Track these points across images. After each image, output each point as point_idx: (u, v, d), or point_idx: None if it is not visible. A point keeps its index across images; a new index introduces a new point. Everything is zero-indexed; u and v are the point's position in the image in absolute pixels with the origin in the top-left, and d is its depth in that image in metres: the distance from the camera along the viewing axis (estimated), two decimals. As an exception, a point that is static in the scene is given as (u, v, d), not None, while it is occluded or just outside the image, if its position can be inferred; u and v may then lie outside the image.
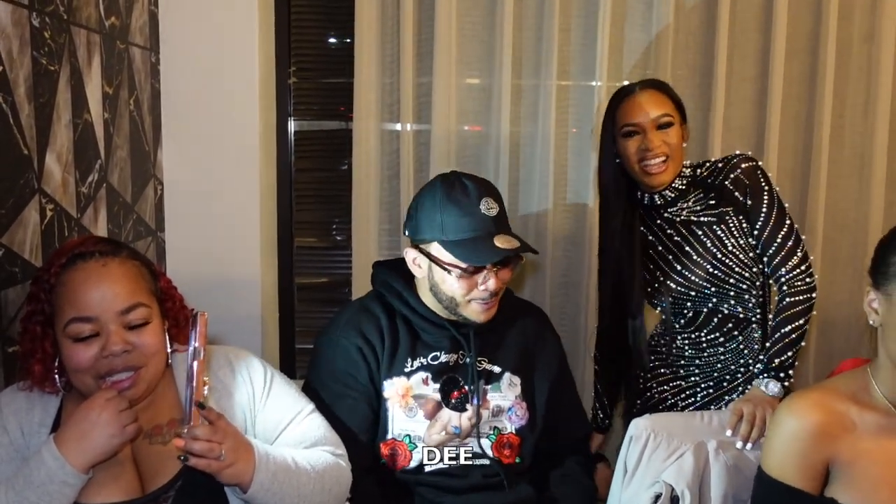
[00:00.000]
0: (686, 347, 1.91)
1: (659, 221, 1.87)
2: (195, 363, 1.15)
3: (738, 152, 1.86)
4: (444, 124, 2.40)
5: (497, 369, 1.70)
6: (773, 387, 1.68)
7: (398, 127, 2.43)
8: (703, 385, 1.89)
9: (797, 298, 1.74)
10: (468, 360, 1.66)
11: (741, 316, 1.85)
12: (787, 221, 1.78)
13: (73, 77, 1.67)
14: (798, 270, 1.75)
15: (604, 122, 1.88)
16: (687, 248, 1.83)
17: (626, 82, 2.45)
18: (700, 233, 1.82)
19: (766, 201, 1.78)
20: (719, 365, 1.88)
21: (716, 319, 1.87)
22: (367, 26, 2.36)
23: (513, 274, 1.64)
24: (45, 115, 1.55)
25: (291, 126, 2.50)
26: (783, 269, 1.76)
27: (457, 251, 1.55)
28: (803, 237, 1.80)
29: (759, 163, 1.83)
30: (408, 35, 2.36)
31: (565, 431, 1.79)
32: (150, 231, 2.16)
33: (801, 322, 1.73)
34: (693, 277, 1.83)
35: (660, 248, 1.87)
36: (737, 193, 1.79)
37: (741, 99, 2.49)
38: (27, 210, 1.47)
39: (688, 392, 1.90)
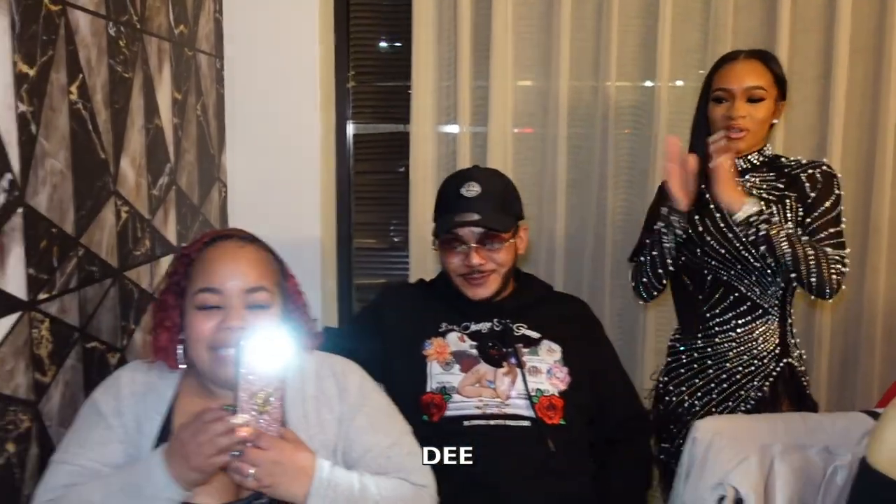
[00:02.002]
0: (699, 339, 1.91)
1: None
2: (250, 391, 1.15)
3: (825, 159, 1.91)
4: (500, 126, 2.42)
5: (535, 335, 1.74)
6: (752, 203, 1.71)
7: (455, 129, 2.46)
8: (716, 381, 1.89)
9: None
10: (502, 327, 1.74)
11: (757, 301, 1.86)
12: (840, 228, 1.79)
13: (146, 84, 1.73)
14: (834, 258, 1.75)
15: (703, 84, 1.92)
16: None
17: (679, 82, 2.45)
18: None
19: (830, 202, 1.80)
20: (731, 353, 1.87)
21: (731, 297, 1.87)
22: (424, 30, 2.39)
23: (509, 254, 1.74)
24: (121, 120, 1.61)
25: (350, 129, 2.55)
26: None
27: (437, 227, 1.76)
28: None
29: (839, 177, 1.85)
30: (464, 38, 2.38)
31: (617, 409, 1.77)
32: (214, 232, 2.22)
33: (811, 254, 1.70)
34: (729, 234, 1.83)
35: (710, 206, 1.87)
36: (807, 185, 1.81)
37: (803, 99, 2.45)
38: (104, 211, 1.53)
39: (703, 390, 1.91)
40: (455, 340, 1.72)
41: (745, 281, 1.86)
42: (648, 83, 2.45)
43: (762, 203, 1.74)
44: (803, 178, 1.82)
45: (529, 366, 1.69)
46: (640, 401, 1.91)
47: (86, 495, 1.17)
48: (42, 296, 1.31)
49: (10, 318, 1.22)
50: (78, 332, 1.44)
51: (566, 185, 2.45)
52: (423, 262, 2.46)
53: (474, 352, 1.71)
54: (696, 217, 1.88)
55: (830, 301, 1.79)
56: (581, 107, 2.46)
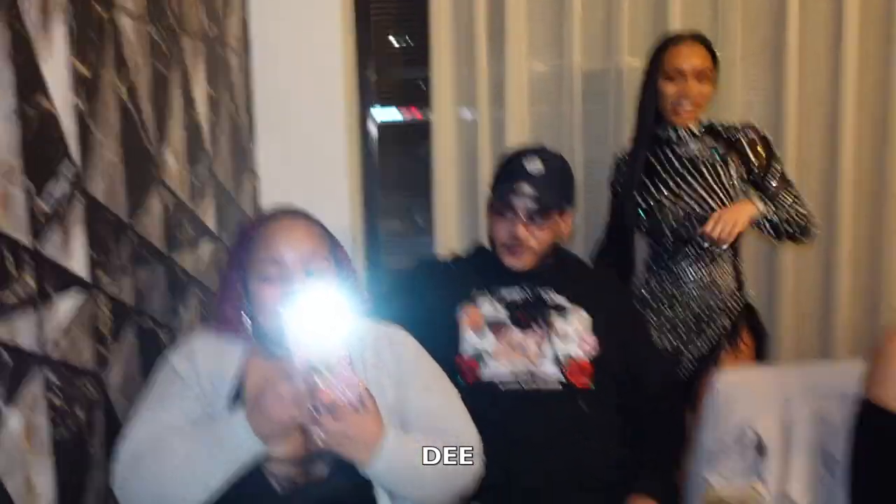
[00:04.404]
0: (665, 285, 2.16)
1: (668, 152, 2.14)
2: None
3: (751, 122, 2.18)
4: (517, 109, 2.51)
5: (565, 302, 1.80)
6: (760, 203, 2.01)
7: (474, 115, 2.54)
8: (681, 317, 2.13)
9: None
10: (533, 293, 1.81)
11: (709, 249, 2.11)
12: (790, 179, 2.12)
13: (183, 81, 1.84)
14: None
15: (650, 63, 2.12)
16: (688, 178, 2.11)
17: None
18: (704, 169, 2.11)
19: (777, 161, 2.13)
20: (695, 299, 2.13)
21: (686, 249, 2.13)
22: (442, 20, 2.48)
23: (551, 234, 1.80)
24: (163, 115, 1.72)
25: (374, 118, 2.64)
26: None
27: (493, 194, 1.83)
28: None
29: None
30: (480, 25, 2.47)
31: (649, 377, 1.81)
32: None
33: (788, 217, 2.03)
34: (686, 199, 2.10)
35: (663, 174, 2.13)
36: (748, 150, 2.10)
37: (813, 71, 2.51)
38: (152, 199, 1.65)
39: (669, 325, 2.15)
40: (488, 308, 1.79)
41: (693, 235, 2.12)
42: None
43: (764, 204, 2.03)
44: (744, 142, 2.10)
45: (559, 331, 1.76)
46: (672, 368, 1.99)
47: (170, 447, 1.27)
48: (102, 275, 1.42)
49: (77, 296, 1.33)
50: (133, 311, 1.55)
51: (584, 161, 2.53)
52: (447, 244, 2.55)
53: (506, 319, 1.78)
54: (652, 187, 2.13)
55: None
56: (594, 85, 2.54)
